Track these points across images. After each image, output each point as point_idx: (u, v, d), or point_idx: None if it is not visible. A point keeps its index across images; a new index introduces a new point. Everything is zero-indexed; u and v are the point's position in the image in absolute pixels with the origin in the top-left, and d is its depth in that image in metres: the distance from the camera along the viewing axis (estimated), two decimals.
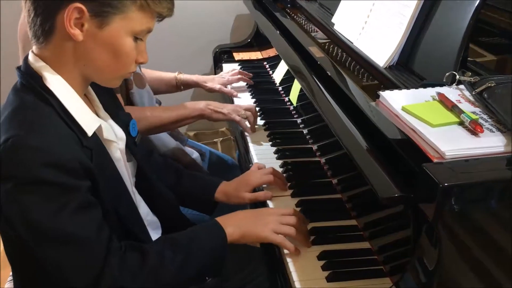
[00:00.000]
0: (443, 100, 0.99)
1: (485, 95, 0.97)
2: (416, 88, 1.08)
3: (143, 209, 1.25)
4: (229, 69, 2.22)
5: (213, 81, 1.99)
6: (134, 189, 1.22)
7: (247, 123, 1.67)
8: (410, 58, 1.23)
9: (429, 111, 0.96)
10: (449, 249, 0.82)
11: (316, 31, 1.70)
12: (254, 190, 1.36)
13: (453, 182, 0.79)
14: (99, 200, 1.00)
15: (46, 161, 0.91)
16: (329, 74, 1.30)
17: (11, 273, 1.30)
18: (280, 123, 1.75)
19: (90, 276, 0.95)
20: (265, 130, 1.71)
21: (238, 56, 2.38)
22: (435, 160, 0.84)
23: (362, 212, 1.22)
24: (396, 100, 1.01)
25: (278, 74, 2.05)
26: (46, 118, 0.96)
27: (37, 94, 0.98)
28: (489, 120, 0.94)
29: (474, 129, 0.89)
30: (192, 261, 1.06)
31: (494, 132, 0.90)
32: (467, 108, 0.97)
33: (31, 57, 1.02)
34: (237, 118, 1.65)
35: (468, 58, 1.13)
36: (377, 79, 1.25)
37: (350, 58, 1.39)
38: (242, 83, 2.05)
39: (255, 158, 1.56)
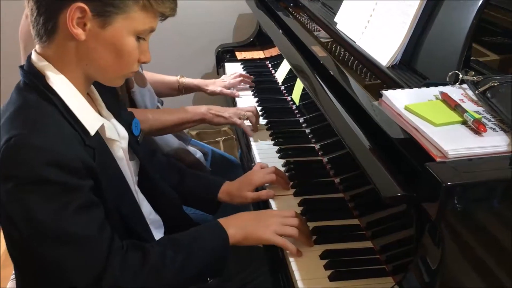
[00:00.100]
0: (446, 100, 0.99)
1: (488, 94, 0.97)
2: (419, 87, 1.08)
3: (146, 208, 1.25)
4: (232, 68, 2.23)
5: (215, 84, 2.00)
6: (136, 188, 1.22)
7: (248, 123, 1.67)
8: (413, 57, 1.23)
9: (432, 110, 0.96)
10: (452, 248, 0.82)
11: (319, 30, 1.70)
12: (257, 189, 1.36)
13: (456, 181, 0.79)
14: (101, 199, 1.01)
15: (48, 160, 0.91)
16: (332, 73, 1.30)
17: (13, 272, 1.30)
18: (283, 122, 1.75)
19: (92, 276, 0.95)
20: (267, 129, 1.71)
21: (240, 55, 2.38)
22: (438, 160, 0.84)
23: (365, 211, 1.22)
24: (399, 99, 1.01)
25: (281, 73, 2.05)
26: (49, 117, 0.96)
27: (40, 93, 0.98)
28: (492, 119, 0.94)
29: (477, 128, 0.89)
30: (194, 262, 1.06)
31: (497, 131, 0.90)
32: (470, 107, 0.97)
33: (34, 56, 1.02)
34: (238, 121, 1.65)
35: (471, 58, 1.12)
36: (380, 78, 1.25)
37: (352, 58, 1.39)
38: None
39: (257, 157, 1.56)
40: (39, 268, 0.99)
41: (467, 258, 0.85)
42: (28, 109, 0.96)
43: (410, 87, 1.10)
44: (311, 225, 1.22)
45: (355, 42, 1.43)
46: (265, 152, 1.58)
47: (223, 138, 2.79)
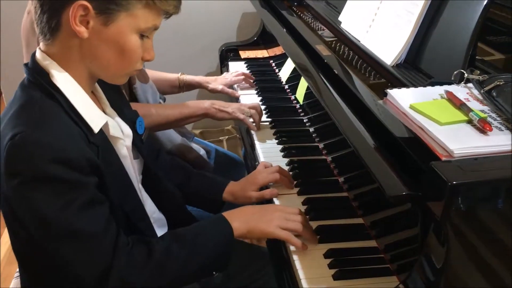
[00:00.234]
0: (451, 98, 0.99)
1: (494, 93, 0.97)
2: (424, 86, 1.08)
3: (150, 207, 1.25)
4: (236, 67, 2.22)
5: (216, 82, 2.00)
6: (140, 186, 1.22)
7: (251, 121, 1.67)
8: (418, 56, 1.23)
9: (437, 109, 0.95)
10: (457, 247, 0.82)
11: (323, 29, 1.70)
12: (261, 188, 1.36)
13: (462, 180, 0.78)
14: (105, 197, 1.01)
15: (53, 157, 0.91)
16: (336, 72, 1.30)
17: (17, 270, 1.31)
18: (287, 121, 1.75)
19: (98, 271, 0.95)
20: (271, 128, 1.71)
21: (244, 54, 2.37)
22: (443, 159, 0.84)
23: (369, 210, 1.22)
24: (404, 98, 1.01)
25: (285, 72, 2.05)
26: (53, 114, 0.97)
27: (44, 91, 0.98)
28: (497, 118, 0.94)
29: (482, 127, 0.88)
30: (199, 256, 1.06)
31: (502, 130, 0.90)
32: (476, 106, 0.97)
33: (38, 54, 1.02)
34: (242, 116, 1.65)
35: (476, 57, 1.12)
36: (385, 77, 1.25)
37: (357, 57, 1.39)
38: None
39: (261, 156, 1.55)
40: (44, 265, 0.99)
41: (472, 258, 0.84)
42: (33, 106, 0.96)
43: (415, 86, 1.10)
44: (315, 224, 1.22)
45: (359, 41, 1.43)
46: (269, 151, 1.58)
47: (227, 137, 2.79)
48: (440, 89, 1.05)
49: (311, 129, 1.66)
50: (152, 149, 1.42)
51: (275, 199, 1.34)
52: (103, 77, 1.07)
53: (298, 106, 1.83)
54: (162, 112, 1.59)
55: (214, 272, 1.12)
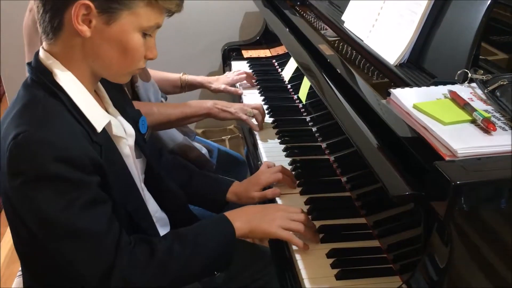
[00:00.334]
0: (455, 98, 0.99)
1: (498, 93, 0.97)
2: (428, 86, 1.08)
3: (152, 206, 1.26)
4: (238, 66, 2.22)
5: (218, 82, 1.99)
6: (143, 185, 1.23)
7: (254, 121, 1.67)
8: (421, 56, 1.22)
9: (441, 109, 0.95)
10: (460, 247, 0.82)
11: (326, 29, 1.70)
12: (265, 188, 1.36)
13: (465, 180, 0.78)
14: (108, 196, 1.01)
15: (56, 156, 0.91)
16: (339, 72, 1.29)
17: (20, 269, 1.31)
18: (289, 121, 1.75)
19: (100, 271, 0.96)
20: (274, 127, 1.70)
21: (247, 53, 2.37)
22: (447, 158, 0.84)
23: (372, 210, 1.22)
24: (407, 98, 1.01)
25: (287, 71, 2.05)
26: (56, 113, 0.97)
27: (47, 90, 0.98)
28: (501, 118, 0.93)
29: (486, 127, 0.88)
30: (201, 255, 1.06)
31: (506, 130, 0.90)
32: (479, 106, 0.96)
33: (41, 53, 1.02)
34: (244, 116, 1.65)
35: (480, 57, 1.12)
36: (388, 77, 1.25)
37: (360, 56, 1.38)
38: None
39: (263, 156, 1.55)
40: (46, 264, 0.99)
41: (476, 258, 0.84)
42: (36, 105, 0.96)
43: (419, 86, 1.10)
44: (317, 223, 1.22)
45: (362, 41, 1.42)
46: (271, 150, 1.58)
47: (229, 136, 2.79)
48: (443, 89, 1.04)
49: (314, 129, 1.66)
50: (155, 149, 1.42)
51: (277, 199, 1.34)
52: (106, 76, 1.07)
53: (300, 105, 1.82)
54: (164, 111, 1.59)
55: (215, 272, 1.12)
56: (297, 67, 1.86)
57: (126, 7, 0.97)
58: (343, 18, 1.61)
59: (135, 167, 1.17)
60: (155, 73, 1.89)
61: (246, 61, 2.30)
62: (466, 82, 1.06)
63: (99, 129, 1.02)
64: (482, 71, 1.04)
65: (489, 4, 1.08)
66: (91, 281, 0.95)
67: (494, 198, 0.82)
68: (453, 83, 1.07)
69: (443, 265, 0.83)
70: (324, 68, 1.37)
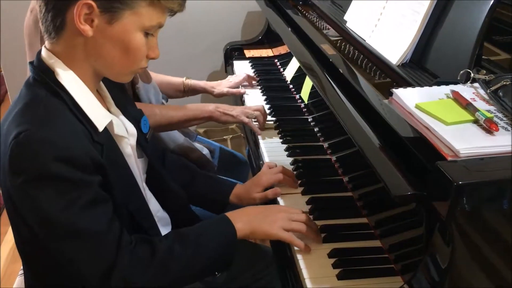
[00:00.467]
0: (457, 98, 0.99)
1: (500, 93, 0.97)
2: (430, 85, 1.07)
3: (154, 206, 1.25)
4: (240, 66, 2.23)
5: (220, 86, 1.99)
6: (144, 185, 1.23)
7: (256, 124, 1.67)
8: (424, 56, 1.22)
9: (443, 109, 0.95)
10: (462, 247, 0.82)
11: (328, 29, 1.69)
12: (266, 189, 1.36)
13: (468, 180, 0.78)
14: (109, 195, 1.01)
15: (57, 155, 0.91)
16: (341, 71, 1.29)
17: (21, 268, 1.31)
18: (291, 121, 1.75)
19: (102, 269, 0.96)
20: (275, 127, 1.70)
21: (249, 53, 2.37)
22: (449, 158, 0.83)
23: (374, 210, 1.22)
24: (410, 97, 1.01)
25: (289, 71, 2.05)
26: (58, 112, 0.97)
27: (49, 89, 0.98)
28: (504, 118, 0.93)
29: (489, 127, 0.88)
30: (202, 256, 1.06)
31: (509, 130, 0.89)
32: (482, 106, 0.96)
33: (43, 52, 1.02)
34: (246, 120, 1.65)
35: (482, 57, 1.11)
36: (390, 76, 1.24)
37: (362, 56, 1.38)
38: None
39: (265, 155, 1.55)
40: (47, 264, 0.99)
41: (477, 258, 0.84)
42: (37, 104, 0.96)
43: (421, 86, 1.09)
44: (319, 223, 1.22)
45: (365, 40, 1.42)
46: (273, 150, 1.58)
47: (231, 136, 2.79)
48: (446, 89, 1.04)
49: (316, 129, 1.66)
50: (157, 148, 1.42)
51: (279, 199, 1.34)
52: (108, 75, 1.07)
53: (302, 105, 1.82)
54: (166, 113, 1.59)
55: (216, 273, 1.12)
56: (299, 67, 1.86)
57: (128, 6, 0.97)
58: (345, 17, 1.61)
59: (137, 167, 1.17)
60: (158, 76, 1.89)
61: (248, 61, 2.30)
62: (468, 82, 1.05)
63: (100, 128, 1.02)
64: (484, 71, 1.04)
65: (492, 4, 1.08)
66: (91, 281, 0.95)
67: (496, 198, 0.82)
68: (455, 83, 1.06)
69: (445, 265, 0.82)
70: (326, 68, 1.37)
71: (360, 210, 1.26)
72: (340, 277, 1.07)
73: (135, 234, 1.05)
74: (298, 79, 1.91)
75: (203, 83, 1.99)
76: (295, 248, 1.14)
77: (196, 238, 1.08)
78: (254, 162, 1.61)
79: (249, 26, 2.65)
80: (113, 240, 0.97)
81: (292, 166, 1.47)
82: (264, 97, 1.94)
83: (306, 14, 1.92)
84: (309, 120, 1.73)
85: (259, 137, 1.65)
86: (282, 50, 2.26)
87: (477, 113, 0.92)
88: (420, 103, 0.97)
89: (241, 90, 1.98)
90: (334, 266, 1.10)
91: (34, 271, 1.08)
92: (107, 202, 1.00)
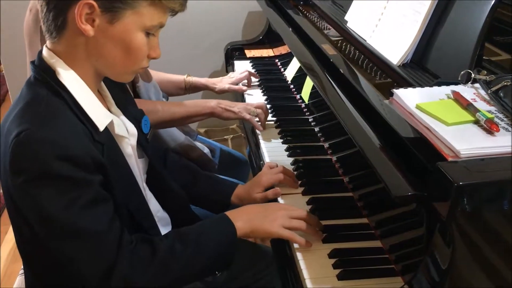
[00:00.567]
0: (458, 99, 0.99)
1: (501, 94, 0.97)
2: (431, 86, 1.07)
3: (154, 206, 1.25)
4: (241, 66, 2.22)
5: (222, 82, 1.99)
6: (145, 185, 1.23)
7: (257, 121, 1.67)
8: (425, 56, 1.22)
9: (444, 109, 0.95)
10: (462, 248, 0.82)
11: (329, 29, 1.69)
12: (267, 189, 1.36)
13: (468, 181, 0.78)
14: (110, 195, 1.01)
15: (58, 154, 0.91)
16: (342, 71, 1.29)
17: (22, 267, 1.31)
18: (292, 121, 1.74)
19: (102, 269, 0.96)
20: (276, 127, 1.70)
21: (249, 53, 2.37)
22: (449, 159, 0.83)
23: (374, 210, 1.21)
24: (410, 98, 1.01)
25: (290, 71, 2.05)
26: (59, 112, 0.97)
27: (50, 88, 0.98)
28: (505, 119, 0.93)
29: (489, 128, 0.88)
30: (202, 255, 1.06)
31: (510, 131, 0.89)
32: (483, 107, 0.96)
33: (45, 52, 1.02)
34: (248, 116, 1.65)
35: (483, 57, 1.11)
36: (391, 77, 1.24)
37: (363, 56, 1.38)
38: (253, 80, 2.05)
39: (266, 155, 1.55)
40: (48, 263, 0.99)
41: (478, 259, 0.84)
42: (38, 103, 0.96)
43: (422, 86, 1.09)
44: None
45: (365, 41, 1.42)
46: (273, 150, 1.58)
47: (232, 136, 2.79)
48: (446, 89, 1.04)
49: (316, 129, 1.66)
50: (157, 149, 1.42)
51: (279, 199, 1.34)
52: (109, 75, 1.07)
53: (303, 105, 1.82)
54: (168, 109, 1.59)
55: (217, 272, 1.12)
56: (300, 67, 1.86)
57: (130, 6, 0.97)
58: (346, 17, 1.61)
59: (137, 167, 1.17)
60: (159, 75, 1.89)
61: (249, 61, 2.30)
62: (469, 82, 1.05)
63: (101, 128, 1.02)
64: (485, 72, 1.04)
65: (493, 4, 1.08)
66: (92, 280, 0.95)
67: (496, 199, 0.82)
68: (456, 83, 1.06)
69: (445, 266, 0.82)
70: (327, 68, 1.37)
71: (360, 211, 1.26)
72: (340, 277, 1.06)
73: (136, 234, 1.05)
74: (299, 79, 1.91)
75: (204, 80, 1.99)
76: (296, 247, 1.14)
77: (197, 238, 1.08)
78: (255, 162, 1.61)
79: (250, 26, 2.65)
80: (114, 240, 0.97)
81: (292, 166, 1.47)
82: (265, 97, 1.94)
83: (307, 14, 1.92)
84: (309, 120, 1.73)
85: (260, 137, 1.65)
86: (282, 50, 2.26)
87: (477, 113, 0.91)
88: (421, 103, 0.97)
89: (243, 87, 1.98)
90: (335, 266, 1.09)
91: (35, 271, 1.09)
92: (108, 201, 1.00)
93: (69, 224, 0.93)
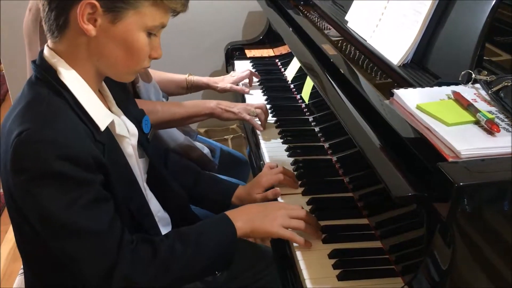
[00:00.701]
0: (458, 99, 0.98)
1: (502, 94, 0.97)
2: (431, 86, 1.07)
3: (154, 206, 1.25)
4: (241, 66, 2.22)
5: (224, 81, 1.99)
6: (145, 185, 1.22)
7: (257, 121, 1.67)
8: (425, 56, 1.22)
9: (444, 109, 0.95)
10: (463, 249, 0.82)
11: (329, 29, 1.69)
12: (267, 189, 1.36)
13: (469, 181, 0.78)
14: (110, 195, 1.01)
15: (59, 154, 0.91)
16: (342, 71, 1.29)
17: (22, 267, 1.31)
18: (292, 121, 1.74)
19: (103, 268, 0.96)
20: (276, 127, 1.70)
21: (250, 53, 2.37)
22: (450, 159, 0.83)
23: (374, 211, 1.21)
24: (411, 98, 1.01)
25: (290, 71, 2.04)
26: (60, 111, 0.97)
27: (51, 88, 0.98)
28: (505, 119, 0.93)
29: (490, 128, 0.88)
30: (202, 255, 1.06)
31: (510, 131, 0.89)
32: (483, 107, 0.96)
33: (46, 51, 1.02)
34: (248, 117, 1.64)
35: (484, 57, 1.11)
36: (391, 77, 1.24)
37: (363, 56, 1.38)
38: (254, 80, 2.05)
39: (266, 155, 1.55)
40: (48, 263, 0.99)
41: (478, 259, 0.84)
42: (40, 103, 0.97)
43: (422, 86, 1.09)
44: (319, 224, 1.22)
45: (366, 41, 1.42)
46: (274, 150, 1.58)
47: (232, 136, 2.79)
48: (447, 90, 1.04)
49: (317, 129, 1.66)
50: (158, 148, 1.42)
51: (279, 199, 1.34)
52: (110, 74, 1.07)
53: (303, 105, 1.82)
54: (168, 109, 1.59)
55: (216, 272, 1.12)
56: (300, 67, 1.86)
57: (132, 6, 0.97)
58: (346, 18, 1.61)
59: (138, 167, 1.17)
60: (160, 74, 1.89)
61: (249, 61, 2.30)
62: (470, 83, 1.05)
63: (102, 128, 1.02)
64: (486, 72, 1.04)
65: (493, 5, 1.07)
66: (92, 280, 0.95)
67: (497, 199, 0.82)
68: (456, 83, 1.06)
69: (446, 266, 0.82)
70: (327, 68, 1.37)
71: (360, 211, 1.26)
72: (340, 277, 1.06)
73: (136, 234, 1.05)
74: (299, 79, 1.91)
75: (206, 79, 1.99)
76: (296, 248, 1.14)
77: (197, 238, 1.08)
78: (255, 162, 1.61)
79: (250, 26, 2.65)
80: (115, 240, 0.97)
81: (292, 166, 1.47)
82: (265, 97, 1.94)
83: (307, 14, 1.92)
84: (310, 120, 1.73)
85: (260, 137, 1.65)
86: (283, 50, 2.26)
87: (478, 114, 0.91)
88: (421, 103, 0.97)
89: (245, 89, 1.98)
90: (335, 266, 1.09)
91: (34, 271, 1.09)
92: (109, 201, 1.00)
93: (70, 223, 0.93)
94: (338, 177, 1.41)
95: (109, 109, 1.10)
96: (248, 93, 1.97)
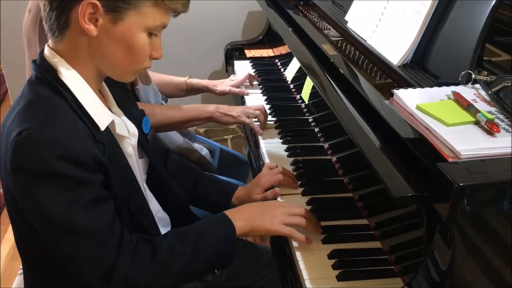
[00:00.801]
0: (458, 99, 0.98)
1: (502, 94, 0.96)
2: (431, 86, 1.07)
3: (154, 206, 1.25)
4: (241, 66, 2.22)
5: (223, 84, 1.99)
6: (145, 185, 1.22)
7: (257, 123, 1.67)
8: (425, 57, 1.22)
9: (444, 110, 0.95)
10: (462, 249, 0.82)
11: (329, 29, 1.69)
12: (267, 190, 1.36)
13: (469, 182, 0.78)
14: (110, 195, 1.01)
15: (59, 154, 0.91)
16: (342, 72, 1.29)
17: (21, 267, 1.31)
18: (291, 121, 1.74)
19: (103, 268, 0.96)
20: (276, 127, 1.70)
21: (249, 53, 2.37)
22: (450, 160, 0.83)
23: (374, 211, 1.21)
24: (411, 98, 1.00)
25: (290, 71, 2.04)
26: (60, 111, 0.97)
27: (51, 88, 0.99)
28: (505, 120, 0.93)
29: (490, 129, 0.88)
30: (202, 254, 1.07)
31: (510, 132, 0.89)
32: (483, 107, 0.96)
33: (47, 51, 1.02)
34: (247, 120, 1.65)
35: (484, 58, 1.11)
36: (391, 77, 1.24)
37: (363, 56, 1.38)
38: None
39: (265, 155, 1.55)
40: (48, 263, 0.99)
41: (478, 260, 0.84)
42: (40, 103, 0.97)
43: (422, 87, 1.09)
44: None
45: (366, 41, 1.42)
46: (273, 150, 1.58)
47: (231, 136, 2.79)
48: (447, 90, 1.04)
49: (316, 129, 1.66)
50: (158, 149, 1.42)
51: (279, 199, 1.34)
52: (111, 74, 1.07)
53: (303, 105, 1.82)
54: (167, 113, 1.59)
55: (216, 271, 1.12)
56: (300, 67, 1.86)
57: (133, 6, 0.97)
58: (346, 18, 1.61)
59: (138, 167, 1.17)
60: (160, 76, 1.89)
61: (249, 61, 2.30)
62: (469, 83, 1.05)
63: (102, 127, 1.02)
64: (486, 72, 1.03)
65: (493, 5, 1.07)
66: (92, 280, 0.95)
67: (497, 200, 0.82)
68: (456, 84, 1.06)
69: (445, 267, 0.82)
70: (327, 68, 1.37)
71: (360, 211, 1.26)
72: (340, 278, 1.06)
73: (136, 234, 1.05)
74: (299, 79, 1.91)
75: (205, 82, 1.99)
76: (295, 248, 1.14)
77: (196, 238, 1.08)
78: (254, 162, 1.61)
79: (250, 26, 2.65)
80: (115, 240, 0.97)
81: (292, 167, 1.47)
82: (265, 97, 1.94)
83: (307, 14, 1.92)
84: (309, 120, 1.73)
85: (259, 137, 1.65)
86: (282, 50, 2.26)
87: (478, 114, 0.91)
88: (421, 104, 0.97)
89: (244, 91, 1.98)
90: (334, 267, 1.09)
91: (34, 271, 1.09)
92: (109, 201, 1.00)
93: (70, 223, 0.93)
94: (337, 177, 1.41)
95: (109, 109, 1.10)
96: (247, 94, 1.96)
